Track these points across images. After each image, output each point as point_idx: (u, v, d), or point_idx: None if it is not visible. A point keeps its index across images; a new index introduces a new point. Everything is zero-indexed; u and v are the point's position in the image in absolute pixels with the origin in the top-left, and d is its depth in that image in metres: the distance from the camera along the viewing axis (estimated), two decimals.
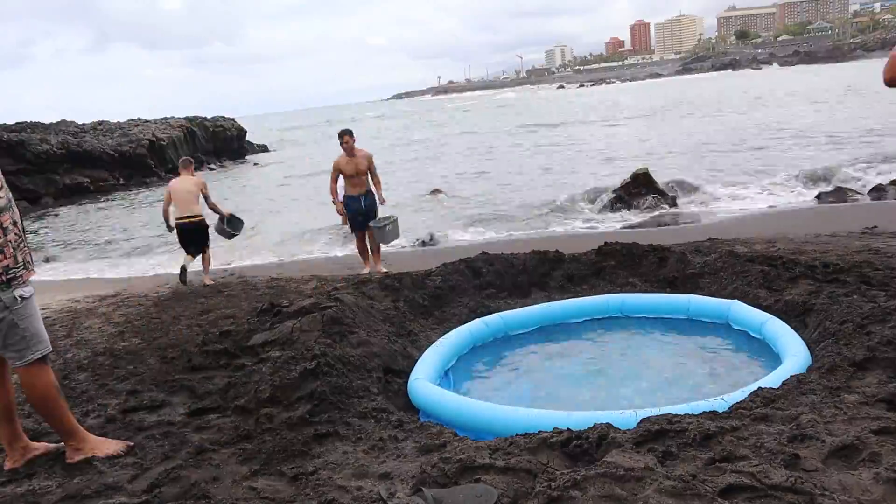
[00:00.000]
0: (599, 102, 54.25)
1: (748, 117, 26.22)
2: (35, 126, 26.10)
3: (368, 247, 7.81)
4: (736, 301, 4.48)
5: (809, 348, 3.65)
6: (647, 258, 5.45)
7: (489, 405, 3.33)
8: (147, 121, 31.49)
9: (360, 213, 7.62)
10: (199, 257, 8.02)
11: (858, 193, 10.16)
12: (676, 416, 2.73)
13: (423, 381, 3.69)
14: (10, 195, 2.86)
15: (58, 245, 14.15)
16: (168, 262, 10.53)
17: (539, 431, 2.70)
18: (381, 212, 7.86)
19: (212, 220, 8.11)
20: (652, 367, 3.99)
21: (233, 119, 36.92)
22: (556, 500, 2.20)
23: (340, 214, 7.71)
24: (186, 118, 32.84)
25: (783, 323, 4.02)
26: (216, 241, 8.55)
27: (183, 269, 7.92)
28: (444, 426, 3.13)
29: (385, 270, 7.26)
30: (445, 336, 4.41)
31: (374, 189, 7.71)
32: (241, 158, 34.23)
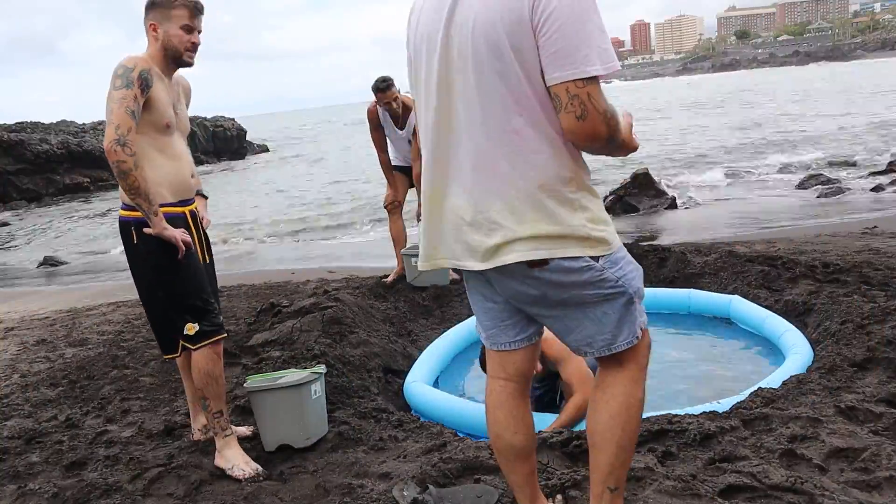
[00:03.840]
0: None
1: None
2: (35, 126, 26.12)
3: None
4: (736, 297, 4.49)
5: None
6: (647, 258, 5.45)
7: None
8: None
9: None
10: None
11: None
12: (676, 416, 2.73)
13: (419, 384, 3.69)
14: None
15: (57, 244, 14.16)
16: None
17: (539, 431, 2.70)
18: None
19: None
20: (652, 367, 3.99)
21: (233, 119, 36.97)
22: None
23: None
24: None
25: (783, 319, 4.03)
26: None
27: None
28: (444, 426, 3.13)
29: None
30: (443, 335, 4.40)
31: None
32: (241, 158, 34.27)
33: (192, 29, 2.66)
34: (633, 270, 1.75)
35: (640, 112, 33.63)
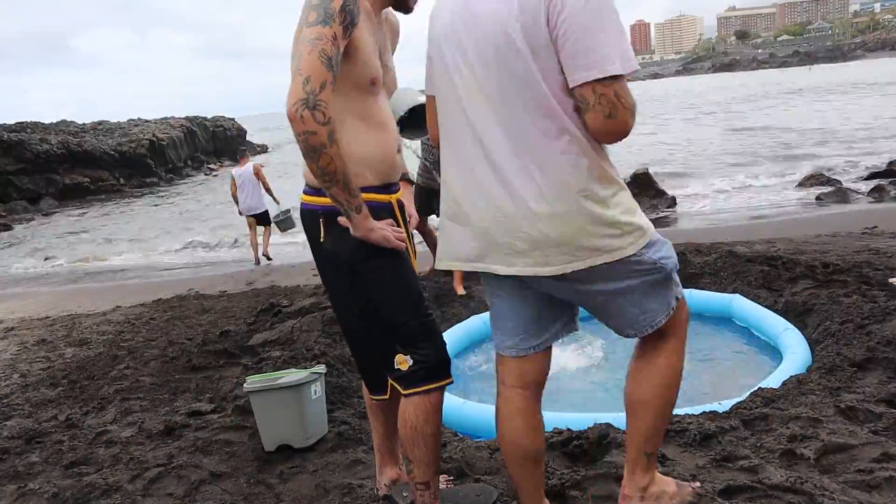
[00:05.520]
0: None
1: None
2: (35, 126, 26.11)
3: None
4: (738, 295, 4.50)
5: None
6: None
7: (484, 406, 3.32)
8: (147, 121, 31.50)
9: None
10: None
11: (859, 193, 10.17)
12: (676, 416, 2.72)
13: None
14: None
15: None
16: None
17: None
18: None
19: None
20: None
21: (233, 119, 36.95)
22: (556, 500, 2.20)
23: None
24: (186, 118, 32.83)
25: (780, 317, 4.04)
26: None
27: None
28: (444, 426, 3.12)
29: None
30: (443, 334, 4.40)
31: None
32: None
33: None
34: (667, 248, 1.77)
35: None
